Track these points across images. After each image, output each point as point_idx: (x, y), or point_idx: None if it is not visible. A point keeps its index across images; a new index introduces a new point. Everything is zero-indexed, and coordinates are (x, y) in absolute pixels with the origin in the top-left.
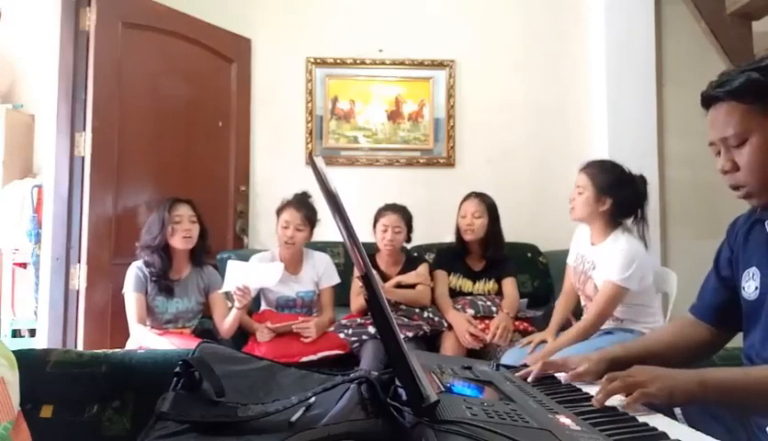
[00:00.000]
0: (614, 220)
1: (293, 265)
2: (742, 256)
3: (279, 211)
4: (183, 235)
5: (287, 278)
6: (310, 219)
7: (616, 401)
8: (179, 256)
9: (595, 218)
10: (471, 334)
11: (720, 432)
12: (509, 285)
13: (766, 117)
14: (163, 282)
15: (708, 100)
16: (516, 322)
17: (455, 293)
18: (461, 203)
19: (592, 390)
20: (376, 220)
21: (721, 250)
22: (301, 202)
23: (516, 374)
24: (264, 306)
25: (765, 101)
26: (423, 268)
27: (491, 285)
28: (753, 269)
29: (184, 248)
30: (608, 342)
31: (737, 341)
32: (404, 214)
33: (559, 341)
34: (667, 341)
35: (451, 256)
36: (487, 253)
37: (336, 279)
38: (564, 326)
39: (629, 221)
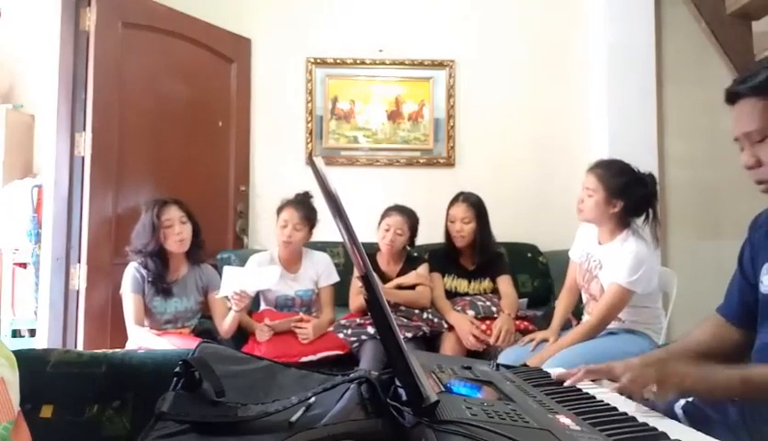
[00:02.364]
0: (623, 221)
1: (292, 263)
2: (762, 251)
3: (279, 210)
4: (176, 239)
5: (286, 277)
6: (310, 219)
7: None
8: (175, 257)
9: (605, 220)
10: (474, 336)
11: (721, 432)
12: (505, 283)
13: None
14: (160, 284)
15: (732, 96)
16: (517, 322)
17: (451, 294)
18: (449, 207)
19: (593, 390)
20: (381, 219)
21: (744, 248)
22: (301, 202)
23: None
24: (263, 305)
25: None
26: (423, 268)
27: (486, 284)
28: None
29: (179, 251)
30: (611, 343)
31: None
32: (410, 217)
33: (561, 341)
34: (705, 343)
35: (444, 258)
36: (478, 254)
37: (335, 278)
38: (564, 325)
39: (639, 221)
